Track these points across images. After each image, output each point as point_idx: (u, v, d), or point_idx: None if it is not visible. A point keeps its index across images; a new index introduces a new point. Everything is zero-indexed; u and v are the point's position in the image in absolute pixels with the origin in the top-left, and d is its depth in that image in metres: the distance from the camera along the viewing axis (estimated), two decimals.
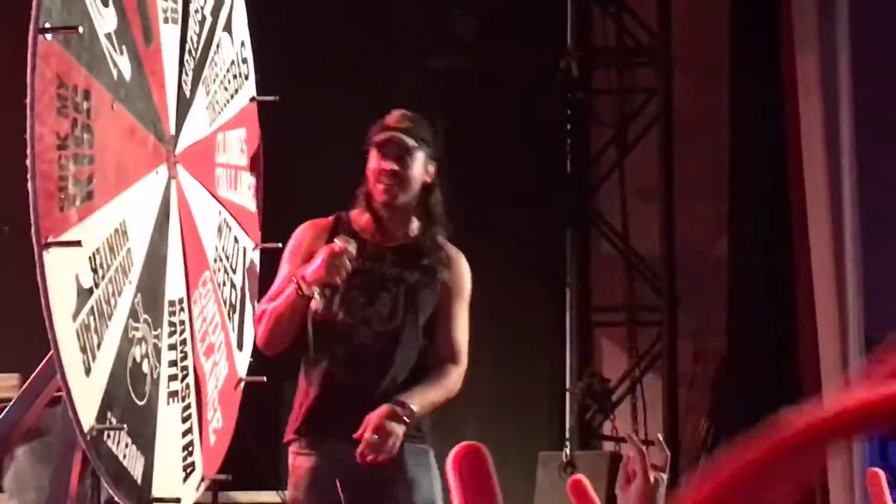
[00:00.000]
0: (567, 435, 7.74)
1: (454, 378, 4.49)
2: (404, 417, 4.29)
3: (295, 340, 4.23)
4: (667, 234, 7.76)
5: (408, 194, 4.41)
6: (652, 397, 7.85)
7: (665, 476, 2.68)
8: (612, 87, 8.01)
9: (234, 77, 4.15)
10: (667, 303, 7.75)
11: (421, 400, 4.39)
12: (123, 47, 3.36)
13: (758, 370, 7.27)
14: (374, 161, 4.38)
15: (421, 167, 4.44)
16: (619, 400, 7.88)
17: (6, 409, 3.48)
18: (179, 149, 3.72)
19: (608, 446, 7.77)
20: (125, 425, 3.25)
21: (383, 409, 4.25)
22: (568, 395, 7.89)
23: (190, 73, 3.82)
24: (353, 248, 4.21)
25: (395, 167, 4.36)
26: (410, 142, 4.39)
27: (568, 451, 7.00)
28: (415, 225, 4.50)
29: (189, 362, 3.73)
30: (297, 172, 6.38)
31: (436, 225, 4.52)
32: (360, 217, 4.43)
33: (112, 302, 3.25)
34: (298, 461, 4.28)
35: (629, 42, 7.97)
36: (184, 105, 3.77)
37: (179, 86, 3.74)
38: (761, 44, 7.30)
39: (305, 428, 4.30)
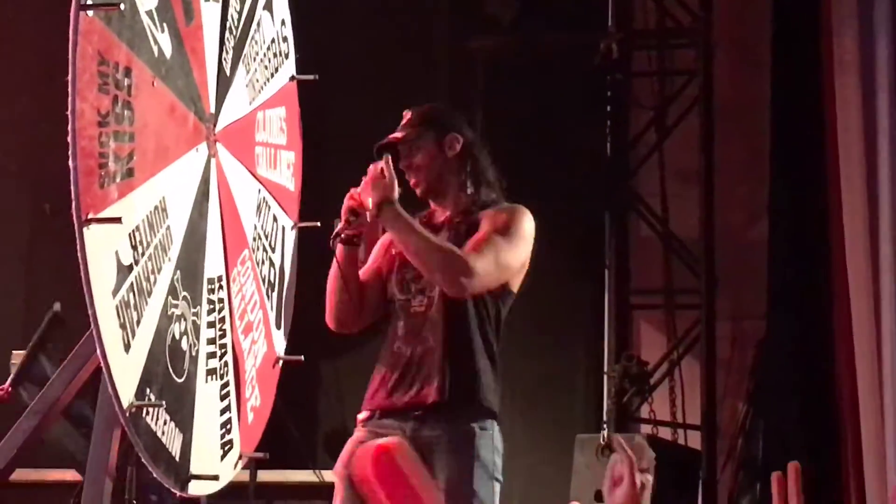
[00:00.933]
0: (604, 418, 7.73)
1: (450, 265, 4.22)
2: (375, 209, 4.15)
3: (360, 317, 4.25)
4: (706, 217, 7.72)
5: (428, 181, 4.41)
6: (690, 381, 7.82)
7: (651, 478, 2.67)
8: (652, 70, 7.98)
9: (275, 55, 4.15)
10: (705, 286, 7.72)
11: (405, 218, 4.23)
12: (164, 25, 3.36)
13: (796, 354, 7.23)
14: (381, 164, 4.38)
15: (430, 150, 4.43)
16: (656, 383, 7.86)
17: (46, 385, 3.50)
18: (219, 127, 3.72)
19: (645, 429, 7.75)
20: (164, 402, 3.26)
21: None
22: (605, 377, 7.87)
23: (230, 52, 3.82)
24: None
25: (406, 162, 4.38)
26: (399, 135, 4.38)
27: (605, 434, 6.98)
28: (456, 198, 4.47)
29: (227, 340, 3.74)
30: (336, 152, 6.37)
31: (481, 189, 4.49)
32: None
33: (151, 279, 3.26)
34: (357, 443, 4.27)
35: (669, 23, 7.93)
36: (224, 83, 3.78)
37: (220, 64, 3.74)
38: (802, 25, 7.25)
39: (372, 407, 4.27)
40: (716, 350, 7.76)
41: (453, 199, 4.44)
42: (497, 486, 4.34)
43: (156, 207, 3.30)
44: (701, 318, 7.74)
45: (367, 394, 4.33)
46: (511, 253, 4.36)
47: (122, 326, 3.11)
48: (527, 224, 4.45)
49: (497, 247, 4.33)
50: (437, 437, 4.24)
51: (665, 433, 7.75)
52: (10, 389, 6.38)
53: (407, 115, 4.51)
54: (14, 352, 7.47)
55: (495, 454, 4.34)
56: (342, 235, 4.11)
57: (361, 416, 4.34)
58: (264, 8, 4.08)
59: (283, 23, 4.22)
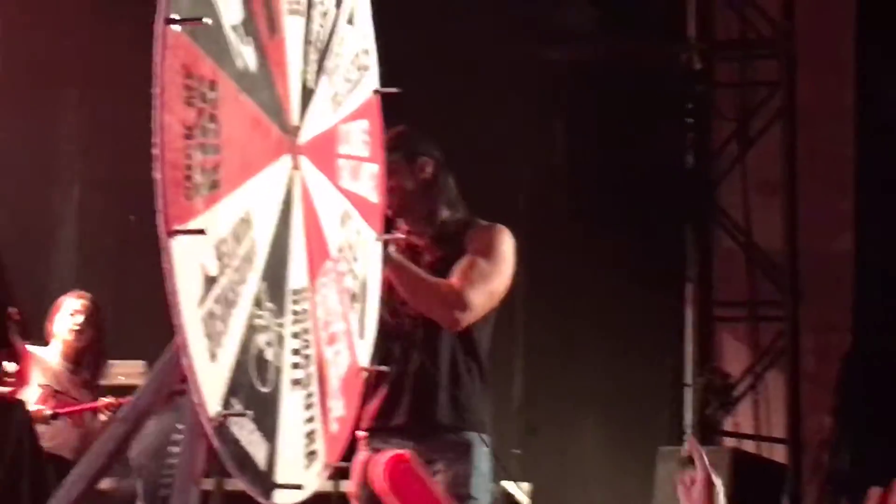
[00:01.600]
0: (687, 430, 7.70)
1: (446, 301, 4.44)
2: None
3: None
4: (789, 229, 7.68)
5: (401, 204, 4.59)
6: (774, 394, 7.78)
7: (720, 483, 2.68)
8: (734, 81, 7.95)
9: (357, 69, 4.18)
10: (790, 298, 7.68)
11: (405, 264, 4.44)
12: (249, 38, 3.40)
13: (882, 367, 7.17)
14: None
15: (399, 174, 4.62)
16: (740, 396, 7.82)
17: (133, 396, 3.54)
18: (302, 140, 3.75)
19: (729, 442, 7.71)
20: (249, 412, 3.28)
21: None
22: (688, 390, 7.84)
23: (313, 65, 3.84)
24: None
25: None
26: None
27: (688, 447, 6.95)
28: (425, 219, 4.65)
29: (312, 350, 3.76)
30: None
31: (447, 210, 4.63)
32: None
33: (236, 290, 3.29)
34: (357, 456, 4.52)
35: (752, 34, 7.90)
36: (307, 96, 3.80)
37: (303, 77, 3.77)
38: (888, 35, 7.20)
39: (372, 427, 4.57)
40: (800, 362, 7.71)
41: (427, 221, 4.59)
42: (490, 497, 4.57)
43: (241, 219, 3.33)
44: (785, 330, 7.69)
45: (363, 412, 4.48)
46: (499, 280, 4.54)
47: (209, 336, 3.14)
48: (507, 246, 4.63)
49: (486, 276, 4.52)
50: (436, 453, 4.41)
51: (749, 446, 7.71)
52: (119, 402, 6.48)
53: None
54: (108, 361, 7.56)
55: (489, 467, 4.53)
56: None
57: (361, 434, 4.51)
58: (347, 21, 4.11)
59: (365, 36, 4.24)
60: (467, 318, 4.48)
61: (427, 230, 4.65)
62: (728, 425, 7.78)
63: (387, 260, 4.35)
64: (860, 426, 7.29)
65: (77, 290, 6.79)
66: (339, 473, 5.42)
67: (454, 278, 4.46)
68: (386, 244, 4.33)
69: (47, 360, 6.67)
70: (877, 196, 7.28)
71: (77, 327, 6.63)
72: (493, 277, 4.52)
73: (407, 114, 4.77)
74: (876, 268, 7.32)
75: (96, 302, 6.75)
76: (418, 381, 4.53)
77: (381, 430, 4.58)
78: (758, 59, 7.92)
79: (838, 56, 7.67)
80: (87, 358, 6.70)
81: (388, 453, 3.99)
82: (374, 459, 4.02)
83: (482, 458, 4.58)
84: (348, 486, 4.61)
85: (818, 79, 7.84)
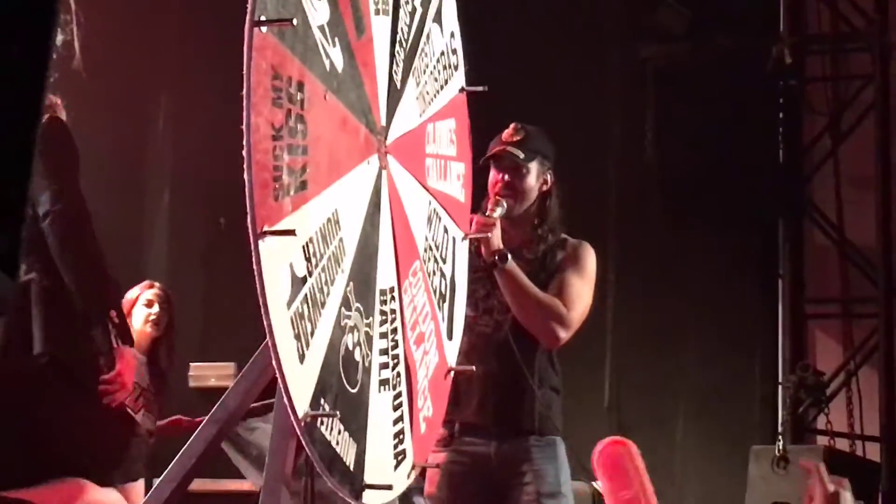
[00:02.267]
0: (780, 429, 7.62)
1: (551, 318, 4.52)
2: (499, 258, 4.45)
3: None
4: (883, 224, 7.58)
5: (522, 205, 4.67)
6: (868, 391, 7.67)
7: (847, 482, 2.65)
8: (826, 74, 7.86)
9: (444, 68, 4.17)
10: (884, 294, 7.57)
11: (519, 274, 4.51)
12: (336, 39, 3.40)
13: None
14: (492, 174, 4.69)
15: (535, 178, 4.69)
16: (833, 394, 7.72)
17: (223, 397, 3.55)
18: (390, 139, 3.75)
19: (822, 440, 7.62)
20: (338, 412, 3.28)
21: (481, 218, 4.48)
22: (780, 388, 7.76)
23: (400, 64, 3.84)
24: (498, 211, 4.53)
25: (508, 179, 4.65)
26: (521, 154, 4.61)
27: (781, 445, 6.88)
28: (534, 229, 4.71)
29: (400, 351, 3.76)
30: None
31: (552, 226, 4.70)
32: None
33: (325, 290, 3.29)
34: (431, 456, 4.50)
35: (843, 27, 7.80)
36: (394, 96, 3.80)
37: (390, 77, 3.77)
38: None
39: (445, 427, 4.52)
40: (894, 359, 7.60)
41: (525, 226, 4.61)
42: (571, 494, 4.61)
43: (329, 219, 3.33)
44: (879, 326, 7.58)
45: None
46: (589, 298, 4.67)
47: (297, 337, 3.15)
48: (594, 264, 4.72)
49: (582, 296, 4.65)
50: (523, 448, 4.43)
51: (842, 444, 7.61)
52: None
53: (518, 130, 4.64)
54: (192, 364, 7.62)
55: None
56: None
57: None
58: (434, 20, 4.10)
59: (452, 35, 4.23)
60: (566, 337, 4.59)
61: (521, 235, 4.67)
62: (821, 423, 7.68)
63: (511, 274, 4.46)
64: None
65: (147, 281, 6.81)
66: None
67: (562, 299, 4.55)
68: (504, 253, 4.40)
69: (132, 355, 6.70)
70: None
71: (154, 317, 6.66)
72: (585, 296, 4.63)
73: (496, 113, 4.76)
74: None
75: (167, 291, 6.78)
76: (503, 383, 4.54)
77: (462, 431, 4.58)
78: (850, 53, 7.82)
79: None
80: (162, 349, 6.74)
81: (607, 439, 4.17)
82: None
83: (565, 456, 4.62)
84: (428, 489, 4.62)
85: None
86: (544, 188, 4.72)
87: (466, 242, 4.33)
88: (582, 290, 4.63)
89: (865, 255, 7.75)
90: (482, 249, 4.50)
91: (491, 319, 4.59)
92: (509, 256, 4.48)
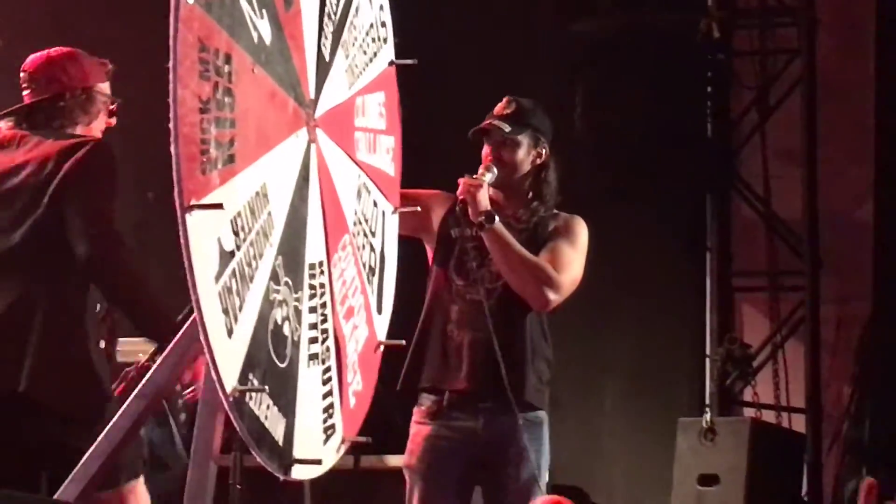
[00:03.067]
0: (707, 401, 7.67)
1: (541, 279, 4.50)
2: (485, 218, 4.43)
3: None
4: (809, 198, 7.63)
5: (513, 177, 4.64)
6: (794, 363, 7.74)
7: None
8: (754, 49, 7.89)
9: (373, 40, 4.15)
10: (809, 268, 7.63)
11: (507, 234, 4.48)
12: (264, 11, 3.37)
13: None
14: (484, 147, 4.66)
15: (525, 150, 4.67)
16: (760, 366, 7.78)
17: (150, 372, 3.53)
18: (319, 112, 3.73)
19: (749, 412, 7.68)
20: (267, 387, 3.27)
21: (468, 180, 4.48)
22: (708, 361, 7.82)
23: (329, 37, 3.82)
24: (488, 177, 4.53)
25: (496, 152, 4.62)
26: (506, 128, 4.61)
27: (708, 418, 6.93)
28: (527, 202, 4.69)
29: (329, 325, 3.75)
30: (437, 136, 6.37)
31: (545, 200, 4.66)
32: None
33: (253, 264, 3.27)
34: (418, 429, 4.52)
35: (771, 2, 7.84)
36: (323, 69, 3.78)
37: (319, 49, 3.75)
38: None
39: (422, 388, 4.56)
40: (820, 332, 7.67)
41: (519, 199, 4.62)
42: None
43: (257, 193, 3.32)
44: (805, 300, 7.65)
45: (409, 374, 4.48)
46: (580, 267, 4.64)
47: (225, 312, 3.13)
48: (586, 237, 4.68)
49: (573, 263, 4.62)
50: (510, 426, 4.40)
51: (769, 416, 7.68)
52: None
53: (509, 103, 4.62)
54: (120, 339, 7.56)
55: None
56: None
57: (425, 405, 4.47)
58: None
59: (381, 7, 4.22)
60: (557, 300, 4.55)
61: (513, 207, 4.64)
62: (748, 396, 7.74)
63: (500, 236, 4.45)
64: (880, 396, 7.26)
65: None
66: (360, 448, 5.42)
67: (555, 264, 4.53)
68: (491, 214, 4.37)
69: None
70: None
71: None
72: (576, 264, 4.61)
73: (425, 86, 4.74)
74: (894, 236, 7.27)
75: None
76: (494, 352, 4.44)
77: (450, 402, 4.50)
78: (777, 27, 7.86)
79: (859, 23, 7.62)
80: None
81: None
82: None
83: (548, 438, 4.58)
84: (407, 460, 4.58)
85: (839, 46, 7.78)
86: (538, 161, 4.68)
87: (396, 216, 4.32)
88: (573, 257, 4.59)
89: (792, 228, 7.80)
90: (469, 210, 4.46)
91: (482, 288, 4.52)
92: (496, 217, 4.46)
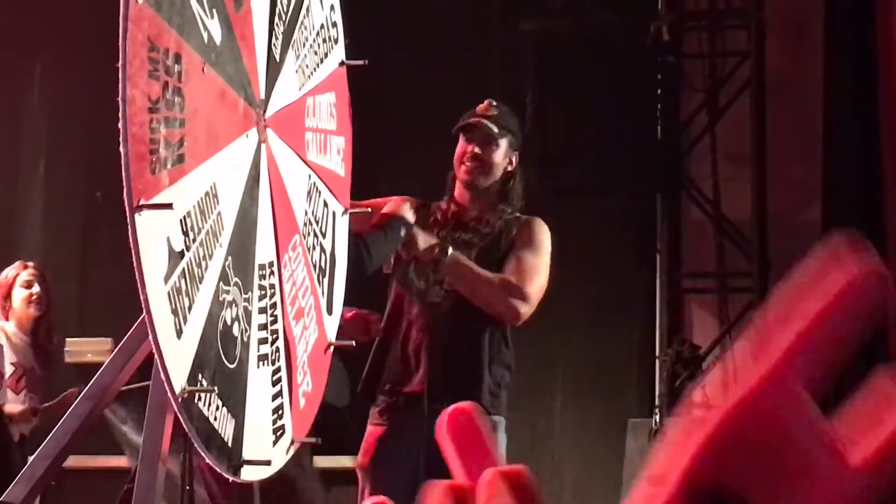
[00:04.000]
0: (657, 402, 7.70)
1: (508, 295, 4.48)
2: (439, 252, 4.41)
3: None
4: (758, 200, 7.68)
5: (488, 178, 4.63)
6: (743, 365, 7.78)
7: None
8: (703, 51, 7.93)
9: (324, 41, 4.15)
10: (758, 269, 7.68)
11: (464, 262, 4.42)
12: (214, 11, 3.36)
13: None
14: (460, 145, 4.62)
15: (503, 154, 4.66)
16: (709, 367, 7.81)
17: (98, 373, 3.51)
18: (269, 113, 3.72)
19: (698, 413, 7.71)
20: (216, 388, 3.26)
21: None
22: (658, 362, 7.84)
23: (280, 37, 3.81)
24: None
25: (478, 150, 4.59)
26: (494, 128, 4.56)
27: (658, 419, 6.96)
28: (494, 206, 4.69)
29: (279, 326, 3.74)
30: (387, 136, 6.37)
31: (512, 204, 4.69)
32: (446, 202, 4.68)
33: (203, 265, 3.26)
34: (371, 430, 4.49)
35: (721, 4, 7.88)
36: (273, 69, 3.77)
37: (269, 50, 3.74)
38: (856, 5, 7.19)
39: (381, 390, 4.55)
40: None
41: (486, 202, 4.60)
42: None
43: (207, 193, 3.30)
44: (754, 301, 7.69)
45: (370, 376, 4.47)
46: (545, 272, 4.62)
47: (175, 312, 3.12)
48: (548, 240, 4.67)
49: (539, 271, 4.61)
50: None
51: None
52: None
53: (492, 106, 4.62)
54: (68, 339, 7.53)
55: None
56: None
57: (380, 406, 4.48)
58: None
59: (332, 8, 4.21)
60: (528, 311, 4.54)
61: (478, 210, 4.63)
62: (697, 397, 7.78)
63: (457, 265, 4.44)
64: (830, 398, 7.31)
65: (19, 261, 6.72)
66: (311, 449, 5.41)
67: (509, 275, 4.52)
68: (444, 247, 4.36)
69: (13, 336, 6.62)
70: (844, 167, 7.28)
71: (35, 297, 6.58)
72: (542, 272, 4.60)
73: (375, 86, 4.74)
74: None
75: (42, 269, 6.70)
76: (451, 355, 4.44)
77: (403, 403, 4.50)
78: (727, 30, 7.90)
79: (808, 26, 7.67)
80: (43, 328, 6.66)
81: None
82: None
83: (504, 441, 4.57)
84: (360, 460, 4.57)
85: (787, 49, 7.83)
86: (509, 168, 4.68)
87: (346, 217, 4.31)
88: (538, 265, 4.59)
89: (741, 230, 7.85)
90: (420, 255, 4.45)
91: (441, 290, 4.51)
92: (449, 249, 4.44)
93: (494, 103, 4.69)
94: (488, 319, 4.54)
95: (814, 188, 7.51)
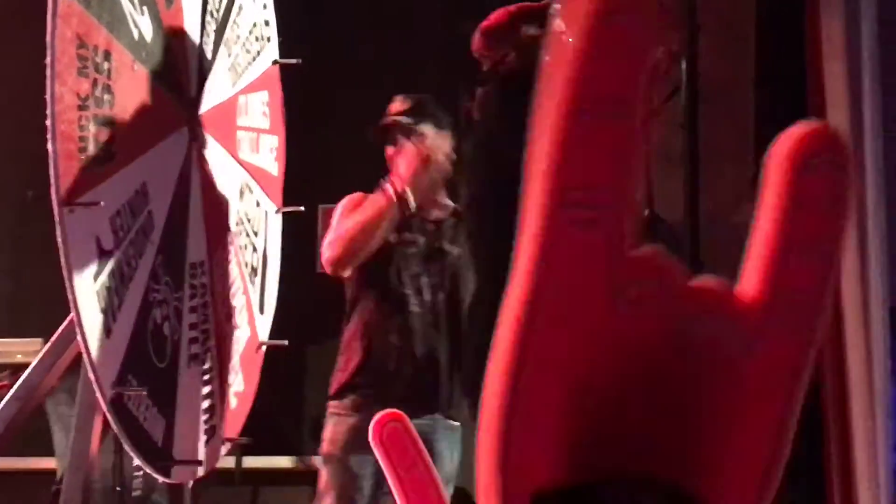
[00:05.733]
0: None
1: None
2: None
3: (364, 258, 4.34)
4: (690, 200, 7.71)
5: (426, 171, 4.53)
6: None
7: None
8: None
9: (257, 39, 4.12)
10: (690, 269, 7.71)
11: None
12: (144, 8, 3.34)
13: None
14: (389, 149, 4.58)
15: (429, 144, 4.57)
16: None
17: (26, 373, 3.47)
18: (201, 111, 3.70)
19: None
20: (146, 388, 3.24)
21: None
22: None
23: (211, 35, 3.79)
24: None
25: (403, 148, 4.52)
26: (407, 122, 4.51)
27: None
28: (445, 198, 4.62)
29: (210, 325, 3.71)
30: (321, 136, 6.35)
31: (457, 194, 4.62)
32: None
33: (133, 264, 3.24)
34: (339, 420, 4.44)
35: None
36: (205, 67, 3.75)
37: (201, 47, 3.72)
38: (787, 6, 7.24)
39: (352, 385, 4.47)
40: None
41: (429, 195, 4.58)
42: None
43: (137, 192, 3.28)
44: None
45: (345, 377, 4.44)
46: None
47: (104, 312, 3.09)
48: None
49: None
50: (430, 430, 4.41)
51: None
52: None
53: (403, 101, 4.60)
54: None
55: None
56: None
57: (348, 399, 4.44)
58: None
59: (264, 6, 4.19)
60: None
61: (431, 204, 4.61)
62: None
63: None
64: None
65: None
66: (243, 449, 5.38)
67: None
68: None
69: None
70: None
71: None
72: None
73: (311, 86, 4.72)
74: None
75: None
76: (425, 362, 4.46)
77: (377, 400, 4.48)
78: (661, 30, 7.95)
79: (740, 26, 7.71)
80: None
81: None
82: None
83: (467, 441, 4.59)
84: (325, 448, 4.54)
85: (720, 49, 7.87)
86: (447, 152, 4.67)
87: (280, 216, 4.29)
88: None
89: (674, 230, 7.88)
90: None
91: (421, 299, 4.51)
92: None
93: (405, 97, 4.65)
94: (460, 326, 4.56)
95: (746, 188, 7.56)
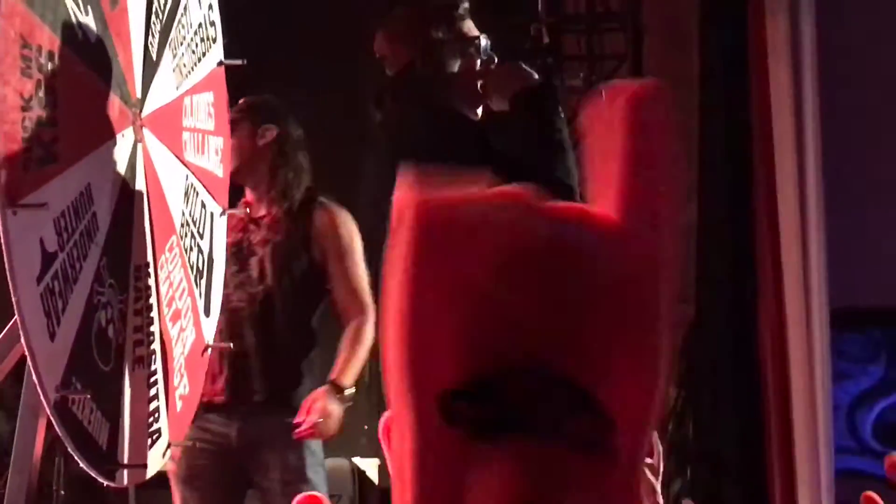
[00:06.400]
0: None
1: (368, 331, 4.51)
2: (339, 399, 4.39)
3: None
4: None
5: (238, 163, 4.60)
6: None
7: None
8: (582, 54, 7.98)
9: (202, 40, 4.11)
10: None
11: (352, 374, 4.47)
12: (89, 8, 3.31)
13: (725, 338, 7.27)
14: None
15: (241, 135, 4.67)
16: None
17: None
18: (146, 112, 3.67)
19: None
20: (90, 391, 3.21)
21: (322, 392, 4.36)
22: None
23: (156, 36, 3.77)
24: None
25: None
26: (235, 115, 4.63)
27: None
28: (270, 195, 4.69)
29: (155, 328, 3.69)
30: None
31: (289, 186, 4.54)
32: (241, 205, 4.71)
33: (77, 266, 3.21)
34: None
35: (599, 8, 7.94)
36: (150, 68, 3.73)
37: (146, 48, 3.69)
38: (730, 8, 7.29)
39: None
40: None
41: (266, 187, 4.60)
42: (324, 472, 4.59)
43: (81, 193, 3.25)
44: None
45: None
46: (364, 266, 4.63)
47: (47, 314, 3.07)
48: (353, 232, 4.68)
49: (359, 272, 4.63)
50: (266, 432, 4.41)
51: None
52: None
53: (246, 102, 4.68)
54: None
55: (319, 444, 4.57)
56: None
57: None
58: None
59: (210, 7, 4.17)
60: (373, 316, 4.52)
61: (271, 197, 4.63)
62: None
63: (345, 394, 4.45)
64: (704, 396, 7.39)
65: None
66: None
67: (342, 294, 4.53)
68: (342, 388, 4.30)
69: None
70: (718, 168, 7.36)
71: None
72: (363, 269, 4.60)
73: (262, 87, 4.72)
74: (716, 239, 7.40)
75: None
76: (253, 358, 4.50)
77: (206, 406, 4.49)
78: (605, 33, 7.95)
79: (684, 29, 7.75)
80: None
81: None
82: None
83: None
84: (169, 466, 4.52)
85: (664, 52, 7.91)
86: (261, 141, 4.69)
87: (225, 218, 4.28)
88: (356, 266, 4.61)
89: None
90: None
91: (244, 293, 4.54)
92: (345, 391, 4.46)
93: (248, 98, 4.71)
94: (290, 320, 4.57)
95: (689, 189, 7.59)
